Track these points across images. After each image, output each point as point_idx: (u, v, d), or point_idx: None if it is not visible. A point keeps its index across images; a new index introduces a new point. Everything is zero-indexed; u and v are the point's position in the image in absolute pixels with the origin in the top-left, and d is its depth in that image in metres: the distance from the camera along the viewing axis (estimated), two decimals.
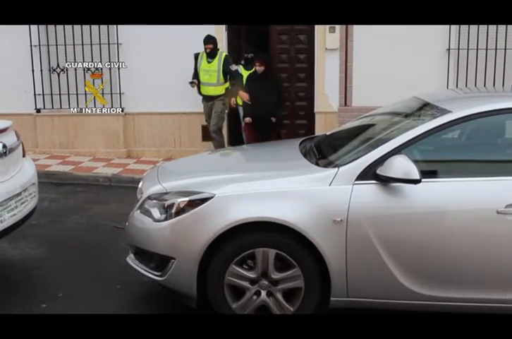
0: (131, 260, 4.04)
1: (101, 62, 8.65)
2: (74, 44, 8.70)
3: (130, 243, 4.07)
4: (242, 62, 8.83)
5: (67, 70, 8.79)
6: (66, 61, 8.70)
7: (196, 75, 8.09)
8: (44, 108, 8.87)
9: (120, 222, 5.64)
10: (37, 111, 8.87)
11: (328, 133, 4.85)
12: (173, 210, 3.70)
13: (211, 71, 7.96)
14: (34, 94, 8.79)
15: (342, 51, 8.48)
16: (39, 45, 8.74)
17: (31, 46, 8.71)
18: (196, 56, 8.10)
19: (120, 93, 8.69)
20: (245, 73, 8.39)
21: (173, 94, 8.50)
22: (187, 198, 3.70)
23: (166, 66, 8.49)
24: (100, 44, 8.67)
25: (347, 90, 8.52)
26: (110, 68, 8.65)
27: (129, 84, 8.63)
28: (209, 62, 7.97)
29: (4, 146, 4.45)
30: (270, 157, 4.65)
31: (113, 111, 8.64)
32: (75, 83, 8.78)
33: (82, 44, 8.69)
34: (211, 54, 7.97)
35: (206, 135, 8.47)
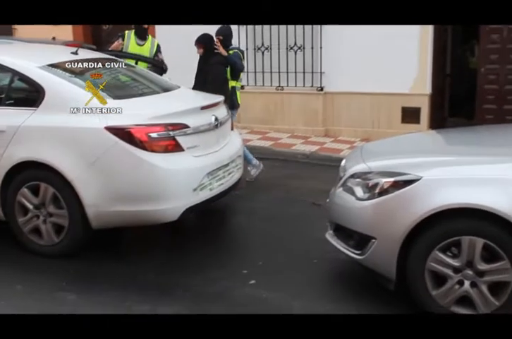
0: (330, 236, 4.08)
1: (303, 41, 8.81)
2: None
3: (331, 219, 4.11)
4: None
5: (271, 48, 9.07)
6: (271, 40, 8.99)
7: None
8: (248, 85, 9.25)
9: (317, 198, 5.74)
10: (241, 88, 9.24)
11: None
12: (377, 190, 3.65)
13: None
14: None
15: None
16: (246, 25, 9.08)
17: (239, 25, 9.08)
18: (122, 35, 7.08)
19: (320, 72, 8.76)
20: None
21: (374, 74, 8.37)
22: (392, 179, 3.63)
23: (367, 45, 8.38)
24: None
25: None
26: (312, 47, 8.76)
27: (330, 63, 8.67)
28: (139, 45, 7.03)
29: (216, 119, 4.73)
30: (481, 142, 4.39)
31: (313, 89, 8.79)
32: (277, 61, 9.04)
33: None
34: (142, 35, 7.04)
35: (406, 116, 8.28)
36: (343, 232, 3.95)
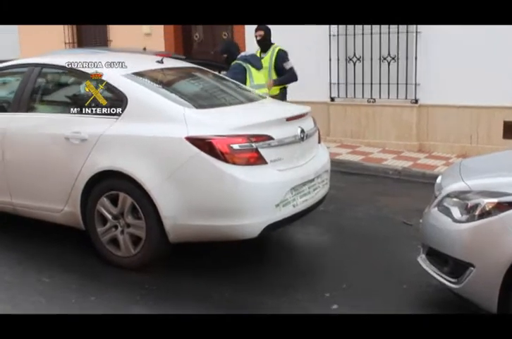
0: (422, 260, 3.73)
1: (397, 51, 8.44)
2: (371, 33, 8.58)
3: (424, 242, 3.76)
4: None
5: (363, 59, 8.75)
6: (363, 51, 8.68)
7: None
8: (338, 97, 8.96)
9: (408, 217, 5.40)
10: (331, 100, 9.00)
11: None
12: (477, 212, 3.29)
13: (264, 69, 6.85)
14: (330, 83, 8.93)
15: None
16: (338, 35, 8.82)
17: (330, 35, 8.84)
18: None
19: (415, 84, 8.34)
20: None
21: (472, 86, 7.85)
22: (495, 200, 3.25)
23: (466, 56, 7.88)
24: (398, 32, 8.39)
25: None
26: (406, 58, 8.36)
27: (426, 74, 8.22)
28: (261, 58, 6.98)
29: (302, 131, 4.50)
30: None
31: (407, 102, 8.39)
32: (369, 73, 8.70)
33: (380, 33, 8.53)
34: (264, 46, 7.07)
35: (508, 131, 7.70)
36: (436, 256, 3.59)
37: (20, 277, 4.30)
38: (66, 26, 11.63)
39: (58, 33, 11.58)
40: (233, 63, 6.64)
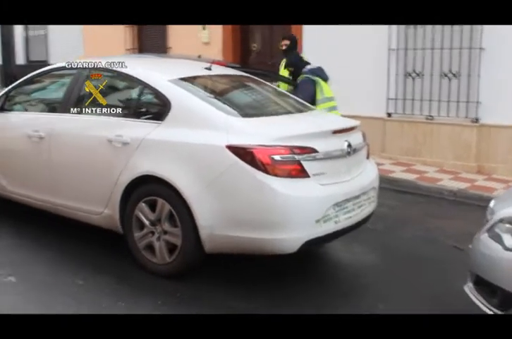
0: (469, 289, 3.46)
1: (459, 68, 8.11)
2: (433, 48, 8.30)
3: (472, 270, 3.50)
4: None
5: (422, 75, 8.46)
6: (423, 66, 8.39)
7: None
8: (395, 113, 8.70)
9: (460, 242, 5.10)
10: (388, 116, 8.75)
11: None
12: None
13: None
14: (387, 98, 8.68)
15: None
16: (397, 49, 8.57)
17: (389, 49, 8.61)
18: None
19: (477, 102, 7.99)
20: None
21: None
22: None
23: None
24: (461, 48, 8.07)
25: None
26: (469, 75, 8.03)
27: (488, 92, 7.87)
28: (285, 67, 6.93)
29: (349, 145, 4.31)
30: None
31: (467, 121, 8.05)
32: (429, 89, 8.40)
33: (442, 48, 8.23)
34: (286, 54, 7.08)
35: None
36: (485, 286, 3.32)
37: (55, 278, 4.27)
38: (128, 33, 11.85)
39: (119, 40, 11.78)
40: (302, 77, 6.50)
